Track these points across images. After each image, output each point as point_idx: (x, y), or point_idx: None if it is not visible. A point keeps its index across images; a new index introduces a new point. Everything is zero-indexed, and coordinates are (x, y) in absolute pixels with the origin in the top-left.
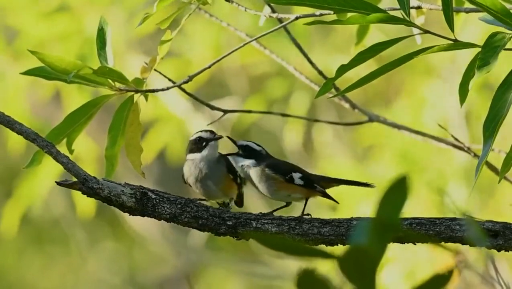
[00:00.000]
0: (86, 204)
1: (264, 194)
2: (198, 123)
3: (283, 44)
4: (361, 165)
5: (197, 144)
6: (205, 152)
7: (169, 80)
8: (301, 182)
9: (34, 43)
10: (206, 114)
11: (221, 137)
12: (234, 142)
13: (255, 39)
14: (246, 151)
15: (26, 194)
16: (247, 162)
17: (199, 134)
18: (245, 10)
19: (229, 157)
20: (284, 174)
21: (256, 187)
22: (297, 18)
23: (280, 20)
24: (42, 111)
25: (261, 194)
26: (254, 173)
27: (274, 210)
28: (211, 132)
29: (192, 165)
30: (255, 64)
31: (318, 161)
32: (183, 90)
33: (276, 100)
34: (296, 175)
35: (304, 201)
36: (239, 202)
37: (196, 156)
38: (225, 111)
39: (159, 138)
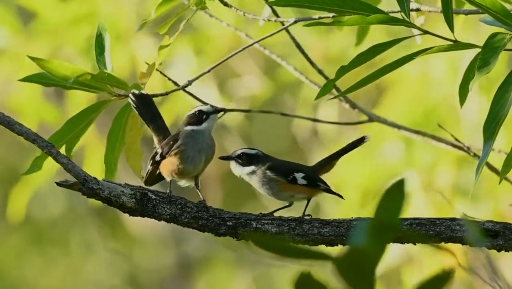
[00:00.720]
0: None
1: (268, 196)
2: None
3: (304, 29)
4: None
5: (197, 117)
6: (206, 124)
7: (170, 79)
8: (304, 182)
9: (49, 26)
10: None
11: (222, 110)
12: (228, 157)
13: (256, 42)
14: (243, 159)
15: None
16: (247, 169)
17: (199, 107)
18: (244, 15)
19: (231, 167)
20: (286, 175)
21: (261, 190)
22: (295, 22)
23: (282, 23)
24: (53, 93)
25: (265, 196)
26: (256, 177)
27: (275, 211)
28: (211, 106)
29: (194, 135)
30: (271, 46)
31: (326, 144)
32: (187, 92)
33: (289, 84)
34: (299, 175)
35: (306, 202)
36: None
37: (197, 127)
38: (225, 110)
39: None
